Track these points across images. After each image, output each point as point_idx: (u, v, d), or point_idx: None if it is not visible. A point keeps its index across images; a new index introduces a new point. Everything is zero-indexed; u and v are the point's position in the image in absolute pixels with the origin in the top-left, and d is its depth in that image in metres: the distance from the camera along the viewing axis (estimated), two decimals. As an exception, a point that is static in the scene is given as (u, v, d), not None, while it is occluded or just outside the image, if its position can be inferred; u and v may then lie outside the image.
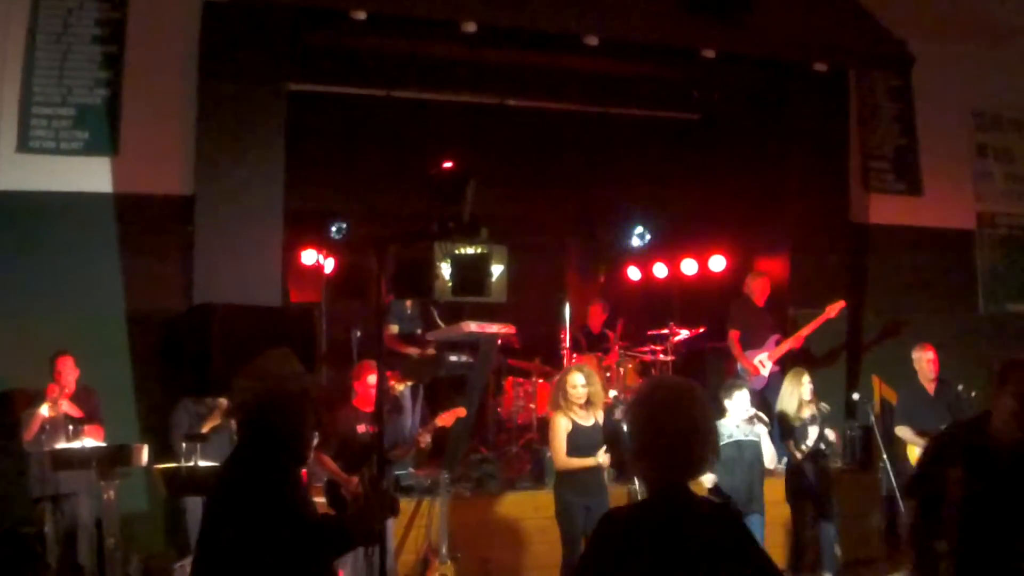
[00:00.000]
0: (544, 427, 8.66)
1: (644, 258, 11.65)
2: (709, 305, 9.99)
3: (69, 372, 6.90)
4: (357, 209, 10.04)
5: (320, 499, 4.04)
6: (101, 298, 7.55)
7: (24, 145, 7.63)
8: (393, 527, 6.82)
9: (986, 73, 10.29)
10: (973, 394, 7.63)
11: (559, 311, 8.98)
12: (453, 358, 8.47)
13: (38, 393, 6.83)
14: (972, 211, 10.40)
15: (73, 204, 7.62)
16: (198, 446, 5.93)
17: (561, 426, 6.46)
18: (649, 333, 9.77)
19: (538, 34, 8.12)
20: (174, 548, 7.10)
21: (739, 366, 8.81)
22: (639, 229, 11.41)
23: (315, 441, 4.01)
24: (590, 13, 8.08)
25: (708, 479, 6.49)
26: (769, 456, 6.97)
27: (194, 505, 6.37)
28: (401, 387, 8.00)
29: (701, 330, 9.54)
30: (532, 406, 8.71)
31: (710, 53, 8.46)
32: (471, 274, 7.08)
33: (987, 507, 3.75)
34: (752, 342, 8.80)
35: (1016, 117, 10.62)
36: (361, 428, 6.69)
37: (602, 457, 6.32)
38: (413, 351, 8.59)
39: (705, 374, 9.80)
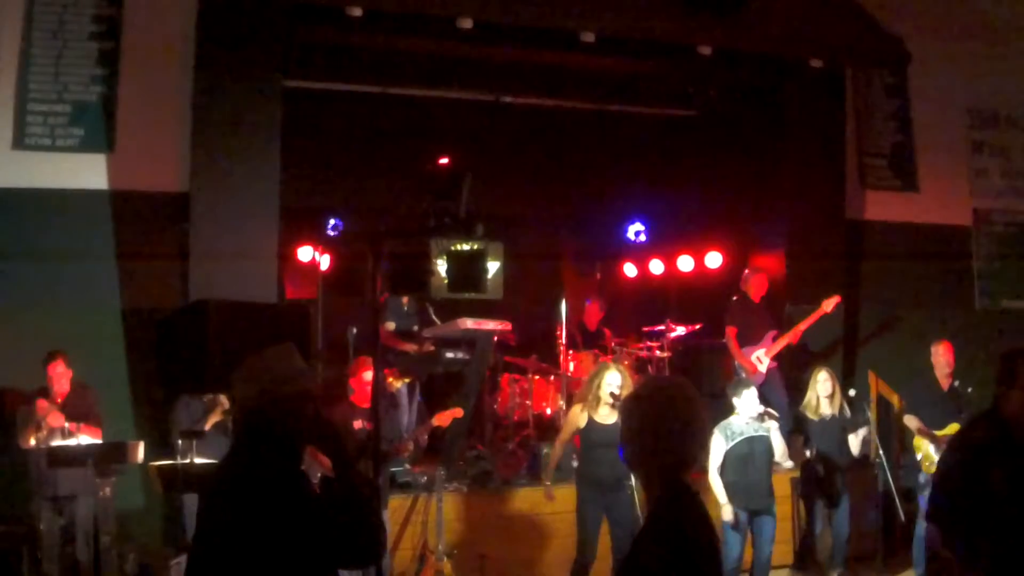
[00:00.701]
0: (540, 423, 8.70)
1: (640, 255, 11.63)
2: (706, 302, 9.98)
3: (61, 377, 6.84)
4: (353, 206, 10.02)
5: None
6: (97, 295, 7.56)
7: (20, 142, 7.63)
8: (389, 523, 6.83)
9: (983, 70, 10.31)
10: (970, 390, 7.64)
11: (555, 308, 8.97)
12: (449, 355, 8.47)
13: (33, 393, 6.82)
14: (968, 208, 10.43)
15: (69, 201, 7.62)
16: (194, 443, 5.91)
17: (574, 421, 6.48)
18: (645, 330, 9.79)
19: (534, 30, 8.10)
20: (171, 545, 7.10)
21: (736, 363, 8.82)
22: (635, 226, 11.41)
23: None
24: (586, 10, 8.07)
25: (727, 512, 6.62)
26: (780, 451, 7.03)
27: (191, 502, 6.34)
28: (398, 384, 8.00)
29: (698, 327, 9.55)
30: (528, 403, 8.70)
31: (707, 50, 8.46)
32: (467, 270, 7.09)
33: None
34: (749, 339, 8.79)
35: (1012, 114, 10.64)
36: (358, 424, 6.67)
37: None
38: (410, 347, 8.60)
39: (701, 371, 9.82)
